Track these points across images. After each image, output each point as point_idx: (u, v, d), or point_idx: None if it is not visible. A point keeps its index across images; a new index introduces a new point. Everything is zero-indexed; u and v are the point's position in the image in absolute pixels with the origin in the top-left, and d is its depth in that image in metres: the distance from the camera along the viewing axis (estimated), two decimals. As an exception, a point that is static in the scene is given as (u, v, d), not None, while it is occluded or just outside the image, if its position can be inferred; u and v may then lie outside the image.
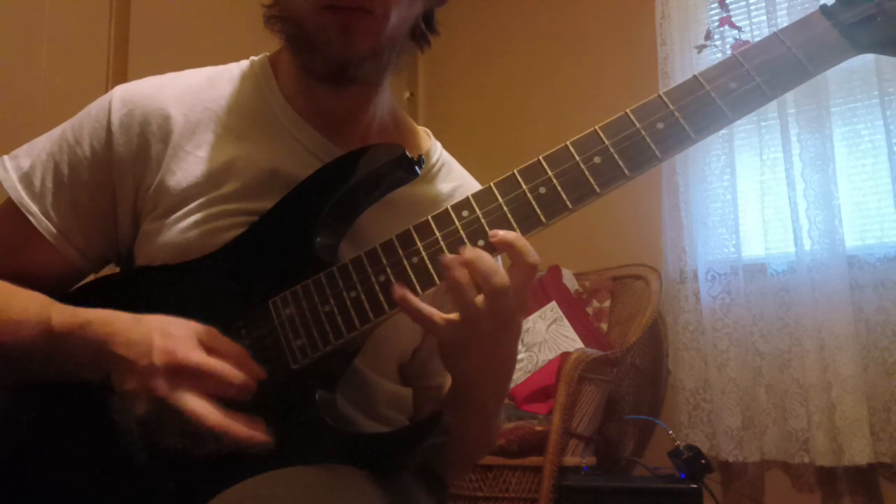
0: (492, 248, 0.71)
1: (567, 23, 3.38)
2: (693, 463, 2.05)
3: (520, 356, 2.60)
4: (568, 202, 0.71)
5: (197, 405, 0.69)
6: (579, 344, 2.56)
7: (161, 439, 0.72)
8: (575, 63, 3.32)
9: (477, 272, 0.68)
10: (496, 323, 0.70)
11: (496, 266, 0.69)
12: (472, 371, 0.77)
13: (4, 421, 0.83)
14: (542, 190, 0.72)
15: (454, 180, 0.98)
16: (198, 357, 0.71)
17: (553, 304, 2.75)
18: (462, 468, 1.01)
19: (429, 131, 1.02)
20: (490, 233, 0.71)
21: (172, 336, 0.72)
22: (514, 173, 0.73)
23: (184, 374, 0.70)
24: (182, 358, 0.70)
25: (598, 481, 2.13)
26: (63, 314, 0.78)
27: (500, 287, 0.68)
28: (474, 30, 3.51)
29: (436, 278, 0.72)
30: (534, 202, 0.71)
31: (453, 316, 0.70)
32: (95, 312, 0.77)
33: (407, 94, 3.60)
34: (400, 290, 0.71)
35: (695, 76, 0.71)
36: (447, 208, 0.74)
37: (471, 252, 0.69)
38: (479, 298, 0.68)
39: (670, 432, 2.30)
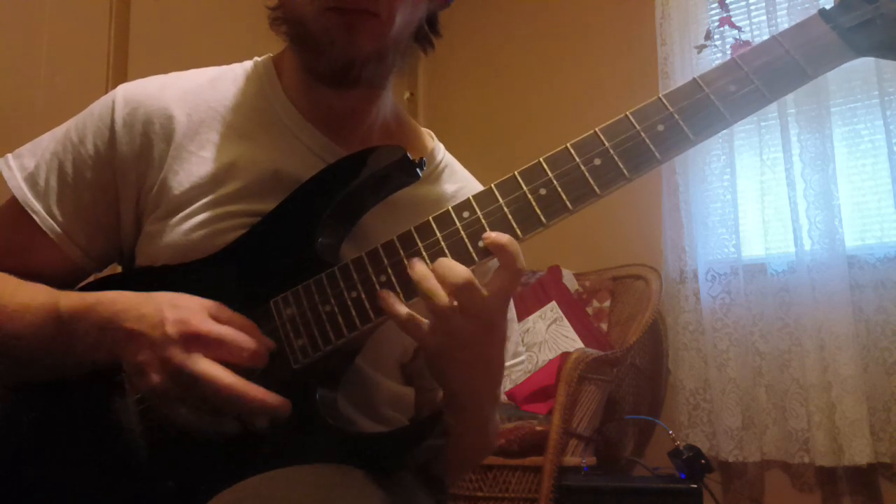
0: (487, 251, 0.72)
1: (567, 23, 3.38)
2: (693, 463, 2.05)
3: (520, 358, 2.59)
4: (568, 203, 0.71)
5: (213, 369, 0.69)
6: (579, 344, 2.56)
7: (171, 415, 0.72)
8: (575, 63, 3.32)
9: (437, 274, 0.69)
10: (475, 325, 0.70)
11: (452, 263, 0.70)
12: (459, 378, 0.77)
13: (6, 419, 0.84)
14: (543, 191, 0.72)
15: (457, 182, 0.98)
16: (211, 325, 0.72)
17: (553, 304, 2.75)
18: (462, 470, 1.01)
19: (432, 133, 1.02)
20: (483, 235, 0.71)
21: (183, 307, 0.73)
22: (514, 174, 0.73)
23: (198, 342, 0.70)
24: (195, 326, 0.71)
25: (598, 481, 2.13)
26: (70, 299, 0.78)
27: (460, 283, 0.68)
28: (474, 30, 3.51)
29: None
30: (534, 203, 0.72)
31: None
32: (103, 294, 0.77)
33: (407, 94, 3.60)
34: (386, 296, 0.72)
35: (694, 79, 0.72)
36: (448, 209, 0.75)
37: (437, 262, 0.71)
38: (443, 293, 0.69)
39: (670, 432, 2.30)
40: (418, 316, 0.72)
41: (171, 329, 0.71)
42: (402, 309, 0.72)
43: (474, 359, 0.74)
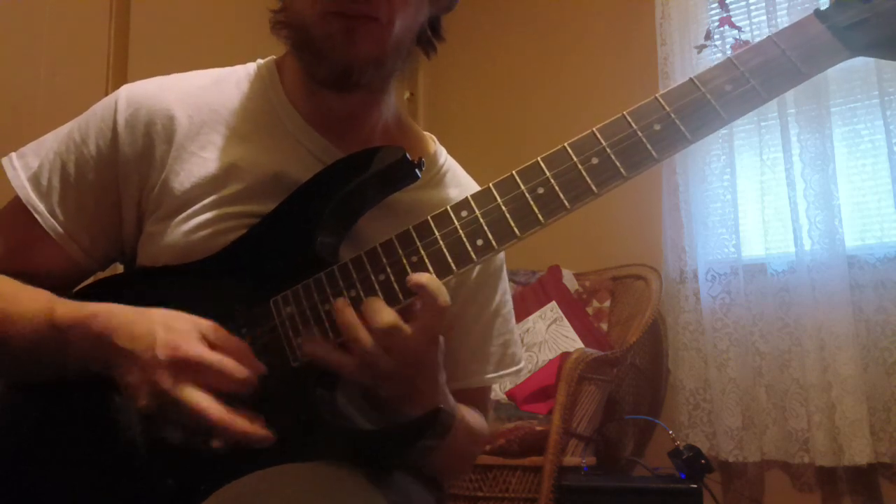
0: (492, 249, 0.73)
1: (567, 23, 3.38)
2: (693, 463, 2.05)
3: (520, 364, 2.57)
4: (566, 202, 0.71)
5: (199, 399, 0.69)
6: (579, 344, 2.56)
7: (163, 433, 0.73)
8: (575, 63, 3.32)
9: (363, 316, 0.71)
10: (401, 363, 0.72)
11: (379, 306, 0.72)
12: (391, 410, 0.77)
13: (6, 419, 0.84)
14: (541, 190, 0.72)
15: (459, 186, 0.98)
16: (200, 351, 0.71)
17: (553, 304, 2.75)
18: (454, 470, 1.02)
19: (434, 137, 1.02)
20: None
21: (176, 329, 0.73)
22: (512, 174, 0.74)
23: (186, 367, 0.70)
24: (185, 351, 0.71)
25: (598, 481, 2.13)
26: (67, 307, 0.78)
27: (383, 326, 0.70)
28: (475, 30, 3.51)
29: (434, 277, 0.73)
30: (532, 202, 0.72)
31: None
32: (99, 306, 0.77)
33: (407, 95, 3.60)
34: (309, 340, 0.74)
35: (690, 79, 0.72)
36: (447, 208, 0.75)
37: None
38: (368, 337, 0.71)
39: (670, 432, 2.30)
40: (346, 356, 0.73)
41: (160, 352, 0.70)
42: (329, 352, 0.74)
43: (404, 393, 0.75)
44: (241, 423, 0.70)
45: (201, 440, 0.71)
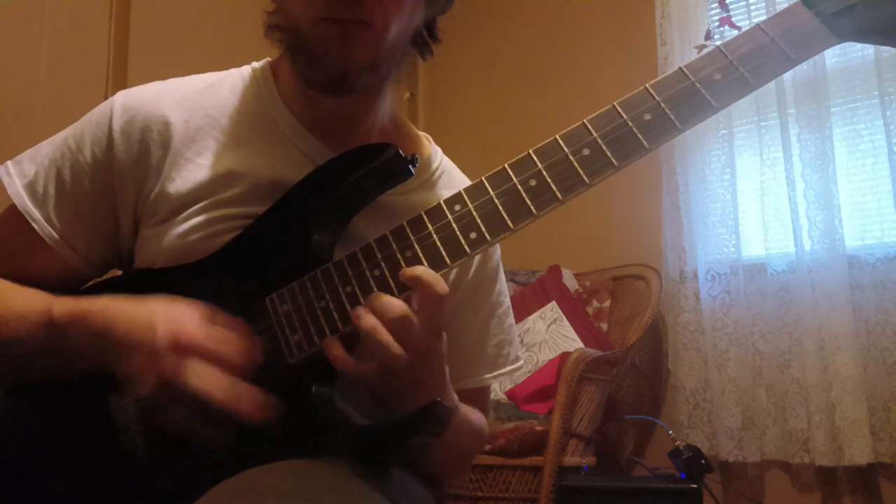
0: (486, 242, 0.72)
1: (567, 23, 3.38)
2: (693, 463, 2.05)
3: (519, 363, 2.57)
4: (558, 193, 0.71)
5: (203, 381, 0.69)
6: (579, 344, 2.56)
7: (165, 422, 0.73)
8: (575, 63, 3.32)
9: (374, 311, 0.71)
10: (413, 354, 0.71)
11: (388, 299, 0.71)
12: (395, 405, 0.77)
13: (5, 420, 0.84)
14: (533, 182, 0.72)
15: (454, 188, 0.98)
16: (202, 333, 0.71)
17: (553, 304, 2.75)
18: (454, 468, 1.02)
19: (429, 137, 1.02)
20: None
21: (176, 313, 0.73)
22: (504, 167, 0.74)
23: (189, 350, 0.70)
24: (187, 335, 0.71)
25: (598, 481, 2.13)
26: (64, 304, 0.78)
27: (397, 316, 0.70)
28: (474, 31, 3.51)
29: (428, 269, 0.73)
30: (524, 194, 0.72)
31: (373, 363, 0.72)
32: (95, 300, 0.77)
33: (407, 95, 3.61)
34: (332, 345, 0.73)
35: (680, 68, 0.72)
36: (440, 203, 0.75)
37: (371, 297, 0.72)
38: (393, 341, 0.70)
39: (670, 432, 2.30)
40: (364, 363, 0.73)
41: (162, 336, 0.70)
42: (351, 361, 0.73)
43: (408, 387, 0.75)
44: (246, 405, 0.69)
45: (204, 426, 0.71)
